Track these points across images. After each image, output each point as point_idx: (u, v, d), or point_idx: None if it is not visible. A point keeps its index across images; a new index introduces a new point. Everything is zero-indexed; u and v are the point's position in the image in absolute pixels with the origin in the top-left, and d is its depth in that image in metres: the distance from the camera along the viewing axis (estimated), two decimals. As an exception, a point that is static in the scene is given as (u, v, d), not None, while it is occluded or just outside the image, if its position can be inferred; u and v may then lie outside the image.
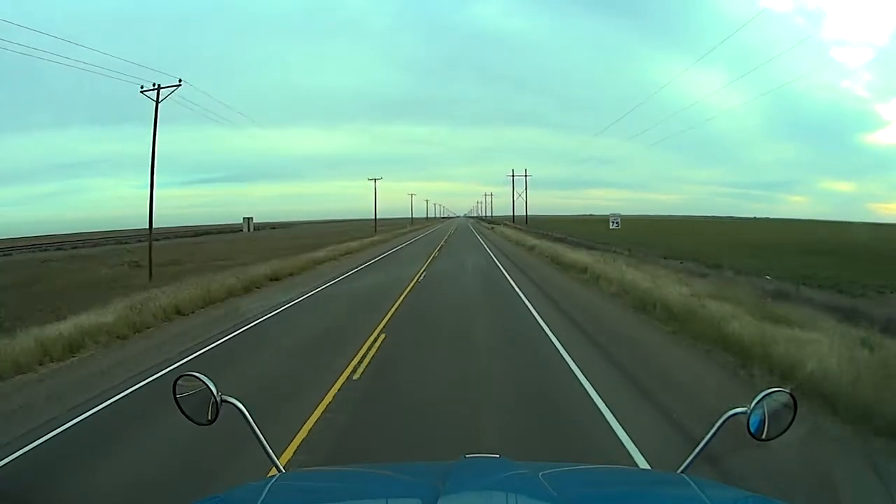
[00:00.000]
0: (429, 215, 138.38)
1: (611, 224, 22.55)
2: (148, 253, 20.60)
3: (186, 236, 59.67)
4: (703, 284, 13.47)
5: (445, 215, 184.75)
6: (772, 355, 6.98)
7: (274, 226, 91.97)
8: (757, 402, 1.69)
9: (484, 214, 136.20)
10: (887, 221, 57.97)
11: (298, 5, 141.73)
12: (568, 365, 7.78)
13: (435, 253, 31.95)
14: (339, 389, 6.79)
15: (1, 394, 7.19)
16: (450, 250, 36.24)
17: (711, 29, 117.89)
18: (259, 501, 1.46)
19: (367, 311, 12.42)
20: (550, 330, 10.17)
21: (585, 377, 7.10)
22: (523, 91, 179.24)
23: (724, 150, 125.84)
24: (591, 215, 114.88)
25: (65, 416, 6.19)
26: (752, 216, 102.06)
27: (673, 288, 12.38)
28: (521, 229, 56.35)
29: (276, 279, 19.08)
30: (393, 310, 12.57)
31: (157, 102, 19.86)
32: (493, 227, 76.96)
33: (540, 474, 1.53)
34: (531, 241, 36.89)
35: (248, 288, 16.59)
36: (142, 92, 19.81)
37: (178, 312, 12.37)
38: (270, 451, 1.85)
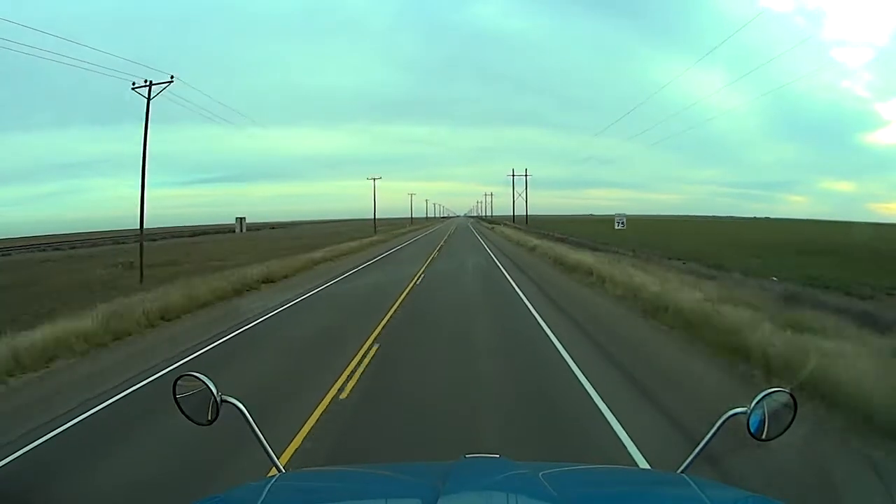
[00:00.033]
0: (428, 215, 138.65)
1: (616, 224, 21.72)
2: (139, 255, 20.32)
3: (184, 236, 59.79)
4: (712, 287, 12.69)
5: (445, 215, 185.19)
6: (806, 372, 6.13)
7: (273, 226, 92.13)
8: (757, 402, 1.69)
9: (484, 214, 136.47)
10: (887, 221, 58.05)
11: (298, 5, 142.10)
12: (581, 383, 6.93)
13: (434, 254, 31.43)
14: (324, 410, 6.11)
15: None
16: (449, 250, 36.11)
17: (711, 29, 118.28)
18: (259, 501, 1.47)
19: (361, 316, 11.92)
20: (558, 339, 9.37)
21: (600, 395, 6.35)
22: (523, 91, 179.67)
23: (724, 150, 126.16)
24: (591, 215, 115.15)
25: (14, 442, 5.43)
26: (752, 216, 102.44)
27: (684, 292, 11.63)
28: (521, 229, 56.36)
29: (270, 281, 18.56)
30: (387, 318, 11.68)
31: (149, 99, 19.61)
32: (493, 227, 76.97)
33: (540, 474, 1.54)
34: (532, 241, 36.37)
35: (240, 291, 16.03)
36: (133, 88, 19.59)
37: (163, 318, 11.79)
38: (270, 451, 1.86)
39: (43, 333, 9.04)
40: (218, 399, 1.82)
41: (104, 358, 9.04)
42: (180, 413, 1.85)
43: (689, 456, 1.82)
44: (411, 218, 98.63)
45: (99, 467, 4.89)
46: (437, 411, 5.99)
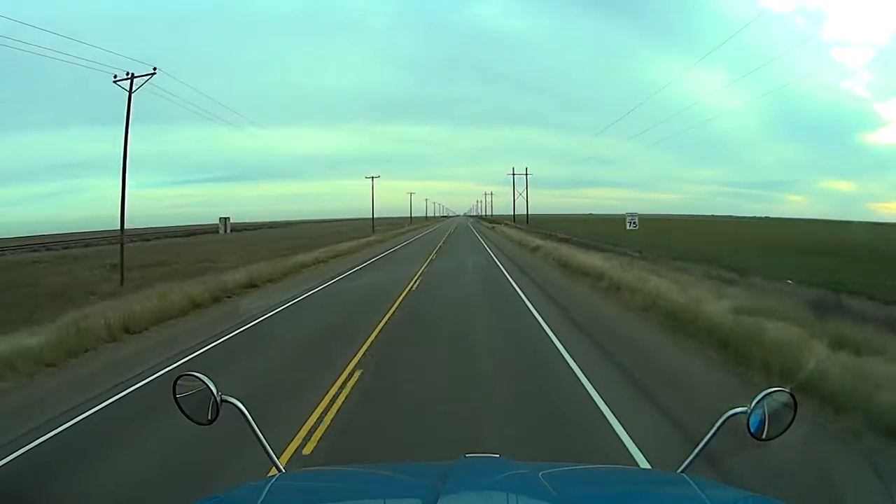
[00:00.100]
0: (428, 214, 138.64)
1: (627, 224, 20.46)
2: (120, 257, 19.70)
3: (178, 236, 59.66)
4: (735, 294, 11.53)
5: (445, 214, 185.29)
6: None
7: (272, 225, 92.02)
8: (757, 402, 1.71)
9: (484, 213, 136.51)
10: (887, 221, 58.11)
11: (298, 5, 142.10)
12: (617, 435, 5.39)
13: (433, 255, 30.36)
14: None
15: None
16: (449, 250, 35.90)
17: (711, 29, 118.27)
18: (259, 501, 1.48)
19: (348, 328, 10.87)
20: (576, 363, 7.93)
21: (633, 443, 5.11)
22: (523, 91, 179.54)
23: (724, 149, 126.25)
24: (591, 214, 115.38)
25: None
26: (752, 216, 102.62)
27: (710, 301, 10.44)
28: (521, 229, 56.29)
29: (253, 286, 17.43)
30: (369, 342, 9.83)
31: (131, 92, 19.16)
32: (493, 227, 76.81)
33: (540, 474, 1.56)
34: (534, 241, 35.62)
35: (218, 298, 14.91)
36: (115, 82, 19.15)
37: (127, 330, 10.71)
38: (270, 451, 1.88)
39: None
40: (218, 399, 1.84)
41: (45, 384, 7.80)
42: (180, 413, 1.87)
43: (689, 456, 1.83)
44: (410, 217, 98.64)
45: None
46: None
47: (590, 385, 6.97)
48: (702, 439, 1.82)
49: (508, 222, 73.77)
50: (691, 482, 1.59)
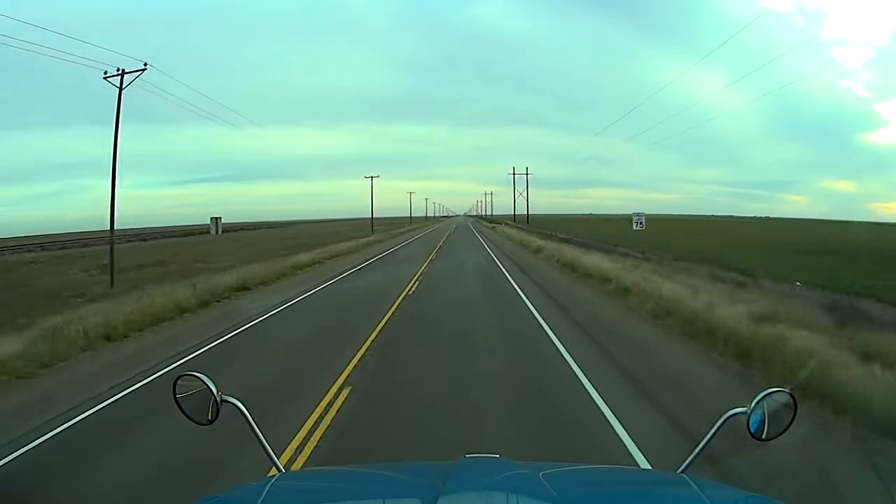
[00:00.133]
0: (428, 214, 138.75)
1: (634, 224, 19.65)
2: (110, 258, 19.28)
3: (174, 236, 59.67)
4: (748, 298, 10.90)
5: (445, 214, 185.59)
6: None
7: (271, 225, 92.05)
8: (757, 402, 1.72)
9: (484, 213, 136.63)
10: (887, 221, 58.12)
11: (298, 5, 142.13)
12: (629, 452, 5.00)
13: (432, 256, 29.72)
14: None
15: None
16: (450, 250, 35.77)
17: (711, 29, 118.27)
18: (259, 501, 1.49)
19: (340, 335, 10.40)
20: (590, 380, 7.17)
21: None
22: (523, 91, 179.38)
23: (724, 149, 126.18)
24: (591, 214, 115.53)
25: None
26: (752, 215, 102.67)
27: (726, 308, 9.77)
28: (522, 229, 56.25)
29: (245, 289, 16.85)
30: (368, 343, 9.57)
31: (121, 89, 18.81)
32: (493, 227, 76.76)
33: (540, 474, 1.56)
34: (536, 241, 35.18)
35: (206, 302, 14.29)
36: (105, 78, 18.83)
37: (107, 338, 10.14)
38: (270, 451, 1.89)
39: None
40: (218, 399, 1.85)
41: (9, 399, 7.20)
42: (180, 413, 1.88)
43: (689, 456, 1.84)
44: (410, 217, 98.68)
45: None
46: None
47: (603, 403, 6.24)
48: (702, 439, 1.82)
49: (509, 222, 73.75)
50: (691, 482, 1.60)
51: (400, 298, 14.68)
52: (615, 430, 5.50)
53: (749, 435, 1.74)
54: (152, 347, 9.92)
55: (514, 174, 70.79)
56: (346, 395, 6.74)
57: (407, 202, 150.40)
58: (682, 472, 1.79)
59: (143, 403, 6.83)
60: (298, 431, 5.64)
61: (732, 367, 7.55)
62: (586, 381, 7.21)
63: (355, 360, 8.45)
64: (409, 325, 11.40)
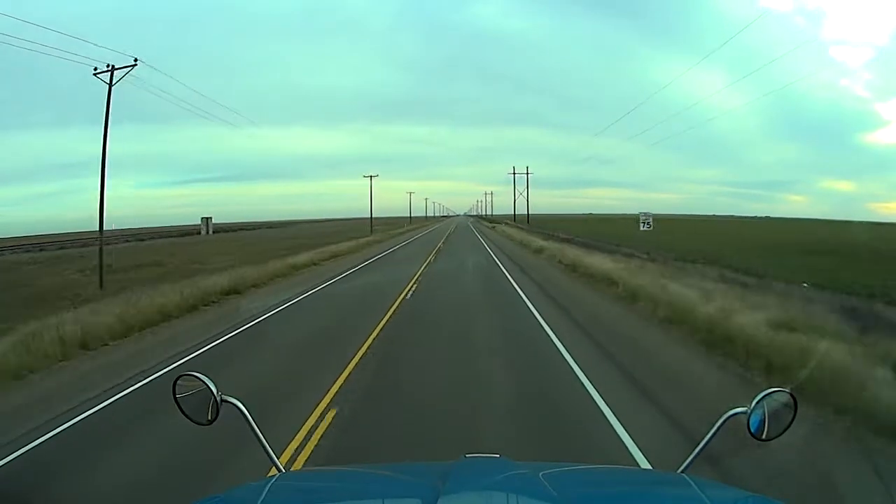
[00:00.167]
0: (428, 214, 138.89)
1: (641, 225, 18.69)
2: (99, 260, 18.84)
3: (172, 236, 59.66)
4: (762, 302, 10.27)
5: (445, 214, 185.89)
6: None
7: (270, 225, 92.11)
8: (757, 402, 1.72)
9: (484, 213, 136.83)
10: (887, 221, 58.21)
11: (298, 5, 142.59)
12: None
13: (431, 258, 28.53)
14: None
15: None
16: (450, 250, 35.65)
17: (711, 29, 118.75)
18: (259, 501, 1.50)
19: (335, 341, 9.97)
20: (602, 398, 6.42)
21: None
22: (523, 91, 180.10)
23: (724, 149, 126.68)
24: (591, 214, 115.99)
25: None
26: (752, 215, 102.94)
27: (743, 314, 9.11)
28: (522, 229, 56.27)
29: (235, 292, 16.10)
30: (358, 357, 8.68)
31: (111, 85, 18.57)
32: (494, 227, 76.76)
33: (540, 474, 1.57)
34: (537, 241, 34.68)
35: (194, 306, 13.62)
36: (95, 74, 18.59)
37: (84, 346, 9.53)
38: (270, 451, 1.90)
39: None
40: (218, 399, 1.86)
41: None
42: (180, 413, 1.89)
43: (689, 456, 1.85)
44: (410, 217, 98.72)
45: None
46: None
47: (627, 435, 5.35)
48: (702, 439, 1.83)
49: (509, 222, 73.78)
50: (691, 482, 1.61)
51: (397, 303, 14.03)
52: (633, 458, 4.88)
53: (749, 435, 1.75)
54: (126, 360, 9.11)
55: (514, 173, 71.00)
56: (330, 419, 6.01)
57: (407, 202, 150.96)
58: (682, 472, 1.79)
59: (111, 424, 6.15)
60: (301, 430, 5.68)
61: (760, 381, 6.65)
62: (602, 402, 6.29)
63: (344, 376, 7.66)
64: (403, 344, 9.91)
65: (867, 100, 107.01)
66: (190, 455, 5.07)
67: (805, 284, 15.86)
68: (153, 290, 14.02)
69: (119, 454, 5.35)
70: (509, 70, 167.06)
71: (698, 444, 1.84)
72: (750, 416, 1.73)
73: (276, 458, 1.94)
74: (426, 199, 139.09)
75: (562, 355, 8.60)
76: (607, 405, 6.21)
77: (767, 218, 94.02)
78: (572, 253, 23.33)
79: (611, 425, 5.65)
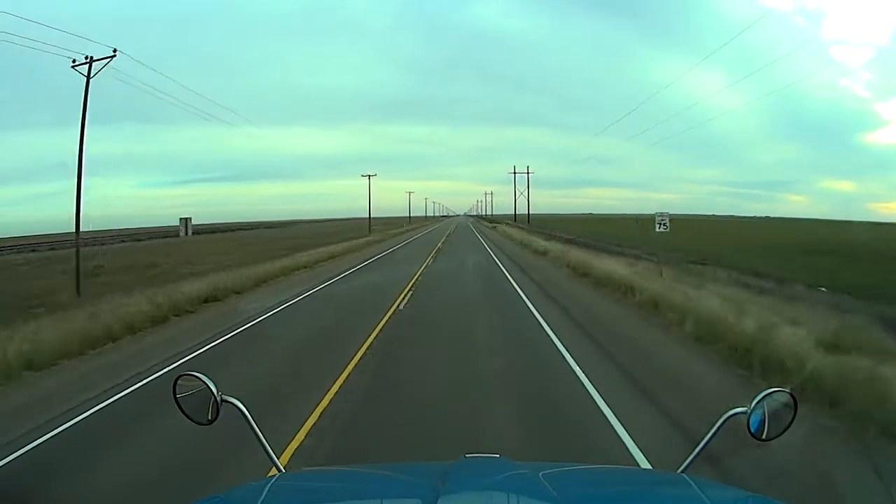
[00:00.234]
0: (428, 214, 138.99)
1: (657, 226, 17.02)
2: (76, 263, 17.78)
3: (169, 236, 59.69)
4: (798, 315, 9.28)
5: (445, 214, 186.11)
6: None
7: (269, 225, 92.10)
8: (757, 402, 1.73)
9: (484, 213, 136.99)
10: (887, 221, 58.30)
11: (298, 5, 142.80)
12: None
13: (429, 261, 27.11)
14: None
15: None
16: (449, 251, 35.48)
17: (711, 29, 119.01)
18: (259, 501, 1.50)
19: (334, 341, 9.54)
20: (635, 441, 5.24)
21: None
22: (523, 91, 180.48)
23: (725, 149, 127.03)
24: (591, 214, 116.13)
25: None
26: (752, 215, 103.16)
27: (784, 328, 8.07)
28: (523, 229, 56.27)
29: (214, 300, 14.88)
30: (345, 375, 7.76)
31: (89, 78, 17.91)
32: (494, 227, 76.65)
33: (540, 474, 1.57)
34: (539, 242, 33.61)
35: (164, 318, 12.36)
36: (73, 66, 17.88)
37: (31, 366, 8.43)
38: (270, 451, 1.91)
39: None
40: (218, 399, 1.86)
41: None
42: (180, 412, 1.90)
43: (689, 456, 1.85)
44: (409, 217, 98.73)
45: None
46: None
47: None
48: (702, 439, 1.84)
49: (509, 222, 73.82)
50: (691, 482, 1.61)
51: (393, 308, 13.09)
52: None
53: (749, 435, 1.76)
54: (80, 380, 8.01)
55: (514, 173, 71.08)
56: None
57: (406, 202, 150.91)
58: (682, 472, 1.80)
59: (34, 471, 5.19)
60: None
61: (841, 436, 5.25)
62: (631, 440, 5.27)
63: (343, 377, 7.59)
64: (407, 325, 9.98)
65: (867, 100, 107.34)
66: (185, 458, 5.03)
67: (823, 289, 15.02)
68: (128, 297, 12.93)
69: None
70: (509, 70, 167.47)
71: (698, 444, 1.84)
72: (750, 416, 1.73)
73: (276, 458, 1.95)
74: (426, 199, 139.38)
75: (589, 395, 6.70)
76: (632, 439, 5.22)
77: (767, 218, 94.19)
78: (578, 255, 22.00)
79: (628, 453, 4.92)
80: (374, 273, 22.85)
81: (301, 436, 5.59)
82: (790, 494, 3.79)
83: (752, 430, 1.74)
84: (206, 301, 14.65)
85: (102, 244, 41.72)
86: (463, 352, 9.22)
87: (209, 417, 1.88)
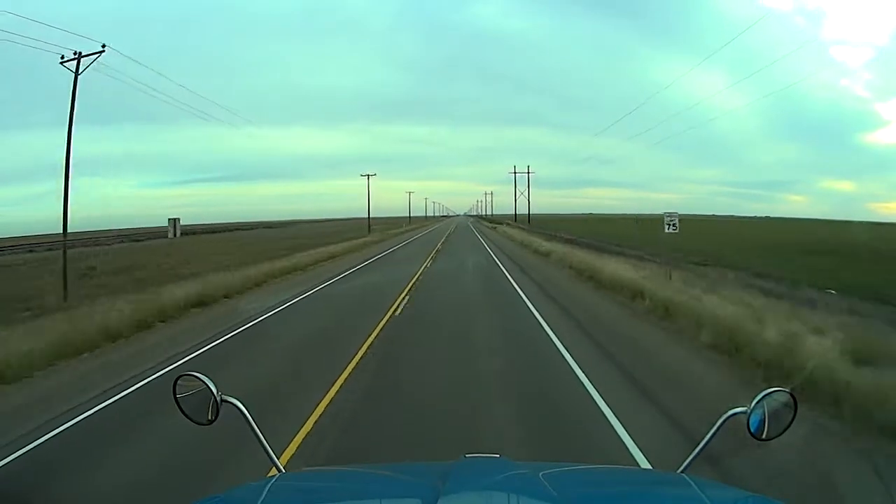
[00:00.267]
0: (427, 214, 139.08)
1: (666, 227, 16.06)
2: (63, 266, 17.17)
3: (167, 237, 59.75)
4: (816, 319, 8.87)
5: (445, 214, 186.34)
6: None
7: (268, 225, 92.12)
8: (757, 402, 1.73)
9: (484, 213, 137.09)
10: (887, 221, 58.35)
11: (298, 5, 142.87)
12: None
13: (428, 263, 26.11)
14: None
15: None
16: (449, 251, 35.40)
17: (711, 29, 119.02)
18: (259, 501, 1.50)
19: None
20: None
21: None
22: (523, 91, 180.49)
23: (725, 149, 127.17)
24: (591, 214, 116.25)
25: None
26: (753, 215, 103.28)
27: (808, 338, 7.51)
28: (524, 229, 56.23)
29: (202, 304, 14.31)
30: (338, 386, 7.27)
31: (77, 74, 17.49)
32: (495, 227, 76.45)
33: (540, 474, 1.58)
34: (542, 243, 32.79)
35: (147, 324, 11.61)
36: (62, 63, 17.48)
37: (2, 377, 7.95)
38: (270, 451, 1.91)
39: None
40: (218, 399, 1.87)
41: None
42: (180, 412, 1.90)
43: (689, 456, 1.85)
44: (409, 217, 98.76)
45: None
46: None
47: None
48: (702, 439, 1.84)
49: (510, 222, 73.72)
50: (691, 482, 1.61)
51: (390, 313, 12.53)
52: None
53: (749, 435, 1.76)
54: (45, 399, 7.22)
55: (514, 173, 71.04)
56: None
57: (406, 202, 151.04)
58: (682, 472, 1.80)
59: None
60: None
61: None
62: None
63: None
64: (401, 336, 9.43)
65: (867, 100, 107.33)
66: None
67: (832, 291, 14.64)
68: (124, 298, 12.57)
69: None
70: (509, 70, 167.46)
71: (698, 443, 1.84)
72: (750, 415, 1.73)
73: (276, 458, 1.95)
74: (426, 198, 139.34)
75: (607, 421, 5.95)
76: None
77: (767, 218, 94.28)
78: (582, 257, 21.37)
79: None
80: (374, 272, 22.68)
81: (302, 434, 5.65)
82: None
83: (752, 430, 1.75)
84: (194, 306, 14.04)
85: (96, 244, 41.65)
86: (463, 351, 9.24)
87: (209, 417, 1.88)
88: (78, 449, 5.59)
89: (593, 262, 19.13)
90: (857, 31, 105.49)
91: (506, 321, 11.94)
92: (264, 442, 1.90)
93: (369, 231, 54.51)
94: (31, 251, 40.53)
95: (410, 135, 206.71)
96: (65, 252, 17.71)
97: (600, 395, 6.72)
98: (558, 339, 9.88)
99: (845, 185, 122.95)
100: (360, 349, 9.30)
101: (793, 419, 1.74)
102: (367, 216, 59.91)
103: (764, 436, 1.74)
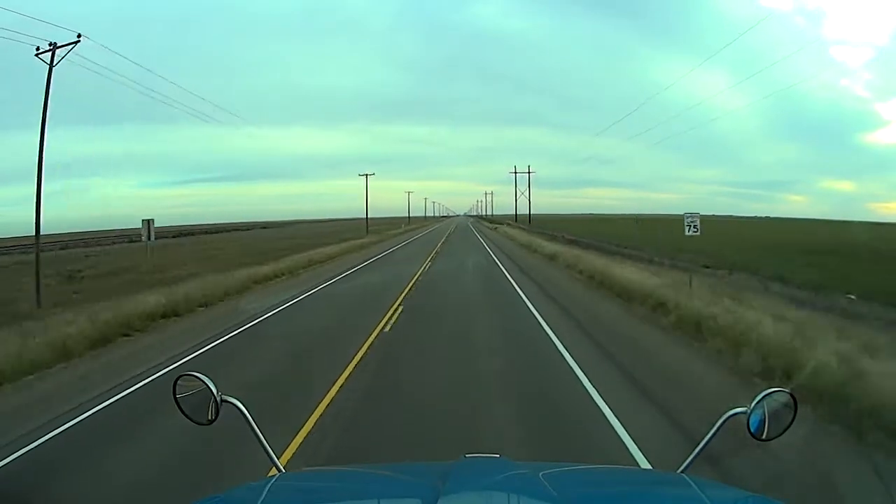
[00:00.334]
0: (427, 214, 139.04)
1: (687, 229, 14.63)
2: (35, 273, 16.17)
3: (166, 237, 59.65)
4: (864, 336, 7.89)
5: (445, 214, 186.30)
6: None
7: (265, 225, 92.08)
8: (757, 402, 1.73)
9: (484, 213, 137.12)
10: (887, 221, 58.38)
11: (298, 5, 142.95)
12: None
13: (427, 264, 25.02)
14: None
15: None
16: (449, 253, 35.11)
17: (711, 29, 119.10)
18: (259, 501, 1.51)
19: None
20: None
21: None
22: (523, 91, 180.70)
23: (725, 149, 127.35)
24: (591, 214, 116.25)
25: None
26: (753, 215, 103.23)
27: (871, 364, 6.35)
28: (525, 229, 56.15)
29: (175, 315, 13.13)
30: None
31: (51, 66, 16.82)
32: (495, 228, 75.91)
33: (540, 474, 1.58)
34: (545, 245, 31.33)
35: (107, 339, 10.40)
36: (37, 55, 16.76)
37: None
38: (270, 451, 1.91)
39: None
40: (218, 399, 1.87)
41: None
42: (180, 413, 1.90)
43: (689, 456, 1.86)
44: (408, 217, 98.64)
45: None
46: None
47: None
48: (702, 439, 1.84)
49: (510, 222, 73.66)
50: (691, 482, 1.62)
51: (372, 335, 10.51)
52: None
53: (749, 435, 1.76)
54: None
55: (515, 173, 71.08)
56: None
57: (406, 202, 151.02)
58: (682, 472, 1.81)
59: None
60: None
61: None
62: None
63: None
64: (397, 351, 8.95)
65: (867, 100, 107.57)
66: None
67: (852, 297, 13.81)
68: (96, 306, 11.77)
69: None
70: (509, 70, 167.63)
71: (698, 443, 1.85)
72: (750, 416, 1.74)
73: (276, 458, 1.95)
74: (426, 199, 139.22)
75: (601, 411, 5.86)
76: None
77: (767, 218, 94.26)
78: (590, 260, 19.81)
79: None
80: (367, 276, 22.26)
81: (304, 433, 5.74)
82: None
83: (752, 430, 1.75)
84: (163, 316, 12.78)
85: (98, 245, 41.55)
86: (463, 352, 9.27)
87: (209, 417, 1.88)
88: None
89: (606, 267, 17.55)
90: (857, 31, 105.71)
91: (502, 312, 11.82)
92: (264, 442, 1.90)
93: (367, 232, 54.24)
94: (23, 253, 40.34)
95: (410, 135, 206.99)
96: (37, 256, 16.75)
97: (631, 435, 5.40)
98: (585, 375, 7.60)
99: (845, 185, 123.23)
100: (357, 353, 9.20)
101: (793, 419, 1.74)
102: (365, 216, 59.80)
103: (764, 436, 1.75)
